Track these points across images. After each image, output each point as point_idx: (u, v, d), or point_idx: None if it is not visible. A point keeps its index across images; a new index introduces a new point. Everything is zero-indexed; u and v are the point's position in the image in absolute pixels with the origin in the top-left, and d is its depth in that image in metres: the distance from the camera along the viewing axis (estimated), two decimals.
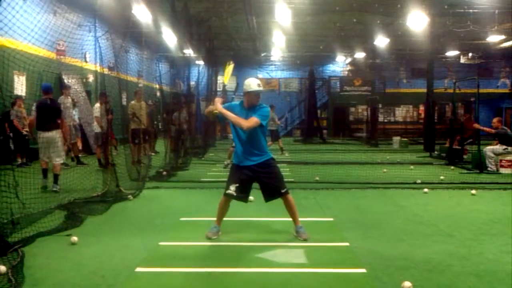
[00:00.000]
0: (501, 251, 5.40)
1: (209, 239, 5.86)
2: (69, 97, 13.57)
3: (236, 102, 6.20)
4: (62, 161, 9.68)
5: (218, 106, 5.86)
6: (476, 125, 13.74)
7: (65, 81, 16.61)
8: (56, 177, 9.30)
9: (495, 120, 13.59)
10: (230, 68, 6.97)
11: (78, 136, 15.37)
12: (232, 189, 5.84)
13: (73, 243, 5.59)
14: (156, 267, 4.88)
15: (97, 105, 13.04)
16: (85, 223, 6.73)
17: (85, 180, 9.24)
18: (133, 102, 13.73)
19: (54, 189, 9.15)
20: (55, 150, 9.39)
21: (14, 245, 5.24)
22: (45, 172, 9.50)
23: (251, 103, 5.86)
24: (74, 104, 14.68)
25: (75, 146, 14.18)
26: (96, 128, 13.40)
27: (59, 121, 9.60)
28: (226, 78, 7.15)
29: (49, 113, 9.46)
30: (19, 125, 13.01)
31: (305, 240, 5.75)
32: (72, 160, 13.90)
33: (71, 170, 11.11)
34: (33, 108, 10.47)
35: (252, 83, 5.85)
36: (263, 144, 5.92)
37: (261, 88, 5.88)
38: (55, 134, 9.45)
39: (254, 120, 5.69)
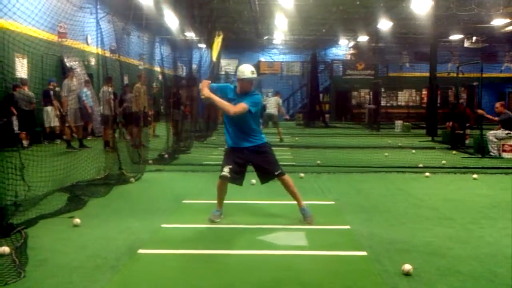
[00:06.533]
0: (501, 235, 5.43)
1: (211, 221, 5.87)
2: (73, 79, 13.60)
3: (232, 86, 6.04)
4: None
5: (204, 91, 5.57)
6: (480, 111, 13.58)
7: (67, 64, 16.55)
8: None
9: (498, 104, 13.42)
10: (219, 40, 6.37)
11: (90, 120, 15.55)
12: (226, 170, 5.75)
13: (76, 225, 5.63)
14: (158, 249, 4.92)
15: (105, 88, 13.00)
16: (88, 205, 6.76)
17: (88, 163, 9.25)
18: (137, 85, 13.69)
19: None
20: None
21: (18, 226, 5.27)
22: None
23: (244, 90, 5.75)
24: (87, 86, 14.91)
25: (80, 129, 14.16)
26: (106, 111, 13.30)
27: None
28: (214, 53, 6.57)
29: None
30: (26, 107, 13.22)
31: (308, 224, 5.73)
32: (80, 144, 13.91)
33: (74, 153, 11.14)
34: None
35: (246, 70, 5.73)
36: (254, 128, 5.82)
37: (254, 75, 5.74)
38: None
39: (241, 106, 5.55)
